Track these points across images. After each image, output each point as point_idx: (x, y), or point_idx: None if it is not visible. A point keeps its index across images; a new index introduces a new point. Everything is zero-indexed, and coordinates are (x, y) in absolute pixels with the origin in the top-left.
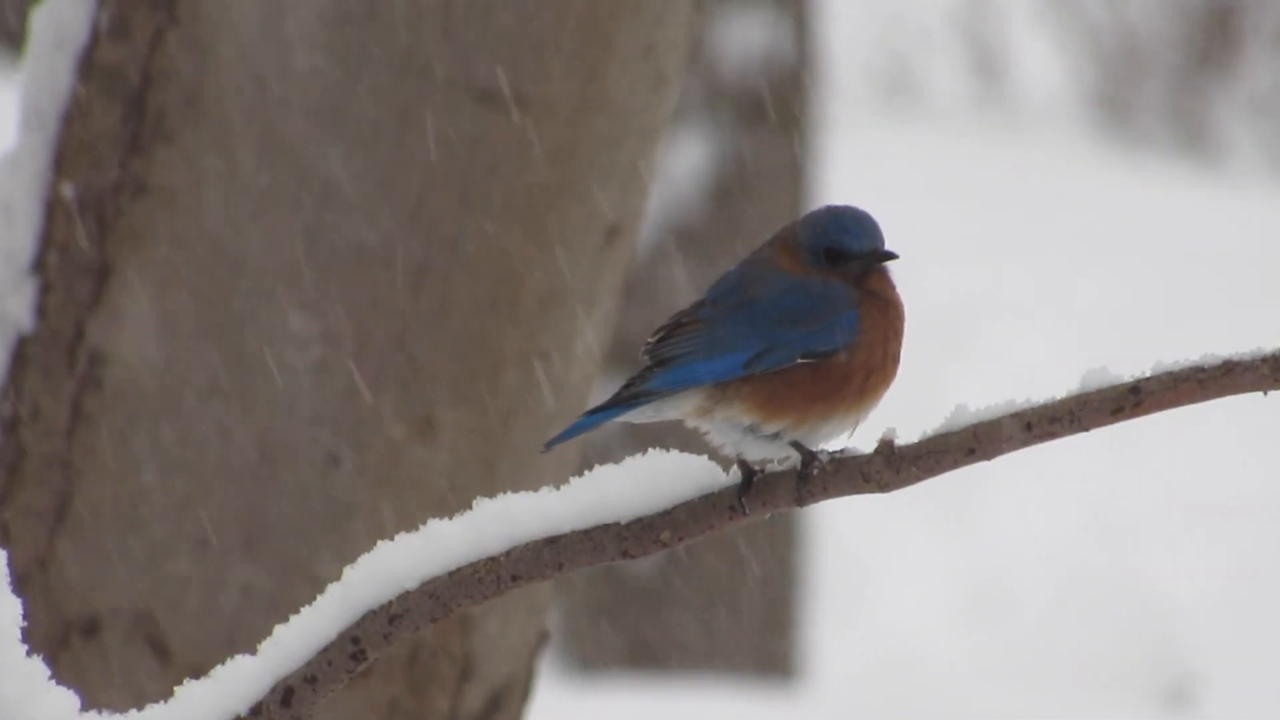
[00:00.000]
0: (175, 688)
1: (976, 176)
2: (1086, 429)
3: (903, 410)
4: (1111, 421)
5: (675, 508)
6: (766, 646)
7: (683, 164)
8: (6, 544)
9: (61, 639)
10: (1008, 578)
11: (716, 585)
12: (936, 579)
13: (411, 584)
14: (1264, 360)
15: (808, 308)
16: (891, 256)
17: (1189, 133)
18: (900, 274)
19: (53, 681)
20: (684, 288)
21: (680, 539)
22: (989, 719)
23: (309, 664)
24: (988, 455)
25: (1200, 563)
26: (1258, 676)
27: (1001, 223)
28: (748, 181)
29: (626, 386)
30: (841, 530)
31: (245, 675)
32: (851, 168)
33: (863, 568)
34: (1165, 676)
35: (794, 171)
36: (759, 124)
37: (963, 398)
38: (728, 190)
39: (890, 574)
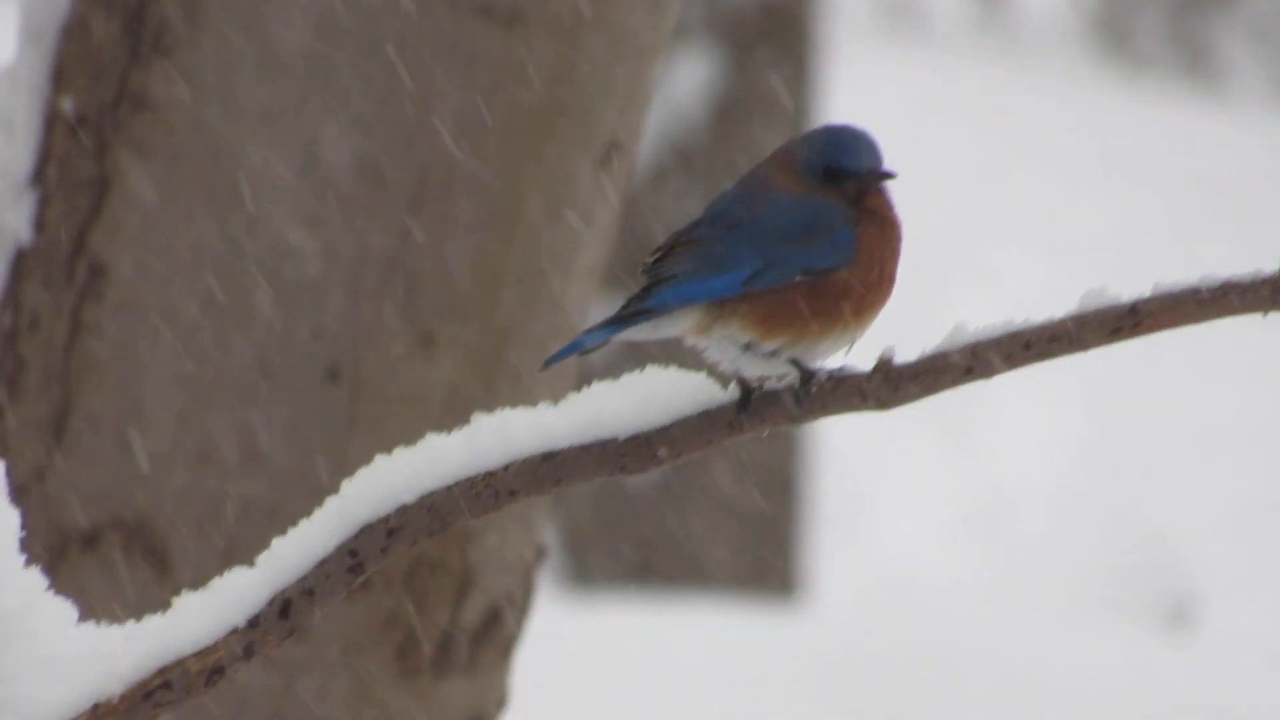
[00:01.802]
0: (173, 599)
1: (977, 100)
2: (1085, 349)
3: (902, 330)
4: (1110, 341)
5: (673, 424)
6: (766, 563)
7: (683, 85)
8: (5, 455)
9: (60, 551)
10: (1007, 497)
11: (716, 502)
12: (936, 498)
13: (409, 498)
14: (1263, 282)
15: (805, 226)
16: (890, 176)
17: (1190, 56)
18: (901, 196)
19: (50, 592)
20: (684, 208)
21: (678, 455)
22: (987, 638)
23: (306, 577)
24: (986, 374)
25: (1200, 483)
26: (1256, 596)
27: (1002, 146)
28: (748, 102)
29: (625, 305)
30: (841, 449)
31: (243, 588)
32: (852, 90)
33: (862, 487)
34: (1164, 596)
35: (794, 93)
36: (760, 45)
37: (962, 318)
38: (728, 111)
39: (890, 493)
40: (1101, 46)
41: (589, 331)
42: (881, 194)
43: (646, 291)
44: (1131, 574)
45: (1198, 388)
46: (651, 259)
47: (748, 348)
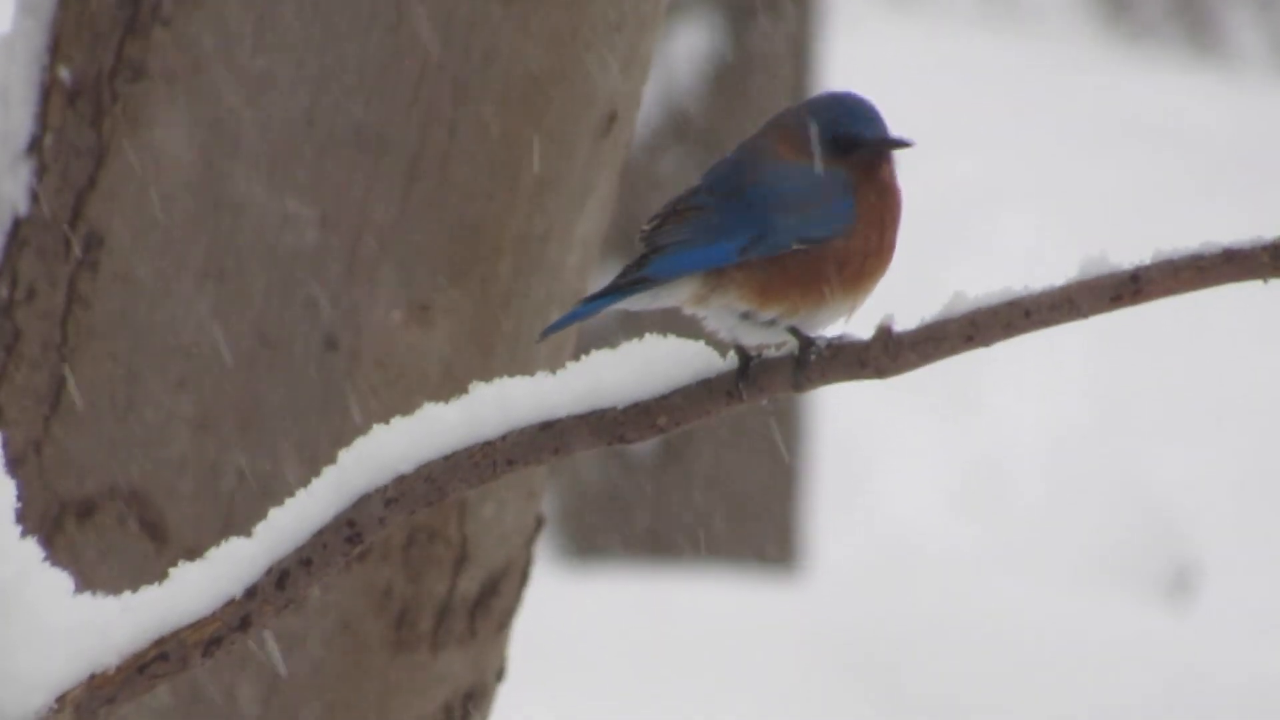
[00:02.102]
0: (170, 570)
1: (978, 65)
2: (1085, 316)
3: (902, 298)
4: (1110, 309)
5: (672, 393)
6: (765, 533)
7: (682, 53)
8: (2, 426)
9: (57, 522)
10: (1007, 465)
11: (716, 473)
12: (936, 466)
13: (407, 468)
14: (1264, 248)
15: (804, 194)
16: (906, 144)
17: (1192, 23)
18: (901, 162)
19: (47, 563)
20: (682, 177)
21: (676, 424)
22: (987, 607)
23: (304, 547)
24: (986, 342)
25: (1201, 452)
26: (1257, 567)
27: (1003, 112)
28: (747, 71)
29: (623, 274)
30: (842, 418)
31: (240, 558)
32: (852, 56)
33: (862, 455)
34: (1164, 566)
35: (794, 59)
36: (758, 13)
37: (962, 285)
38: (727, 79)
39: (890, 461)
40: (1104, 12)
41: (586, 301)
42: (890, 162)
43: (644, 260)
44: (1132, 544)
45: (1200, 357)
46: (649, 226)
47: (745, 317)
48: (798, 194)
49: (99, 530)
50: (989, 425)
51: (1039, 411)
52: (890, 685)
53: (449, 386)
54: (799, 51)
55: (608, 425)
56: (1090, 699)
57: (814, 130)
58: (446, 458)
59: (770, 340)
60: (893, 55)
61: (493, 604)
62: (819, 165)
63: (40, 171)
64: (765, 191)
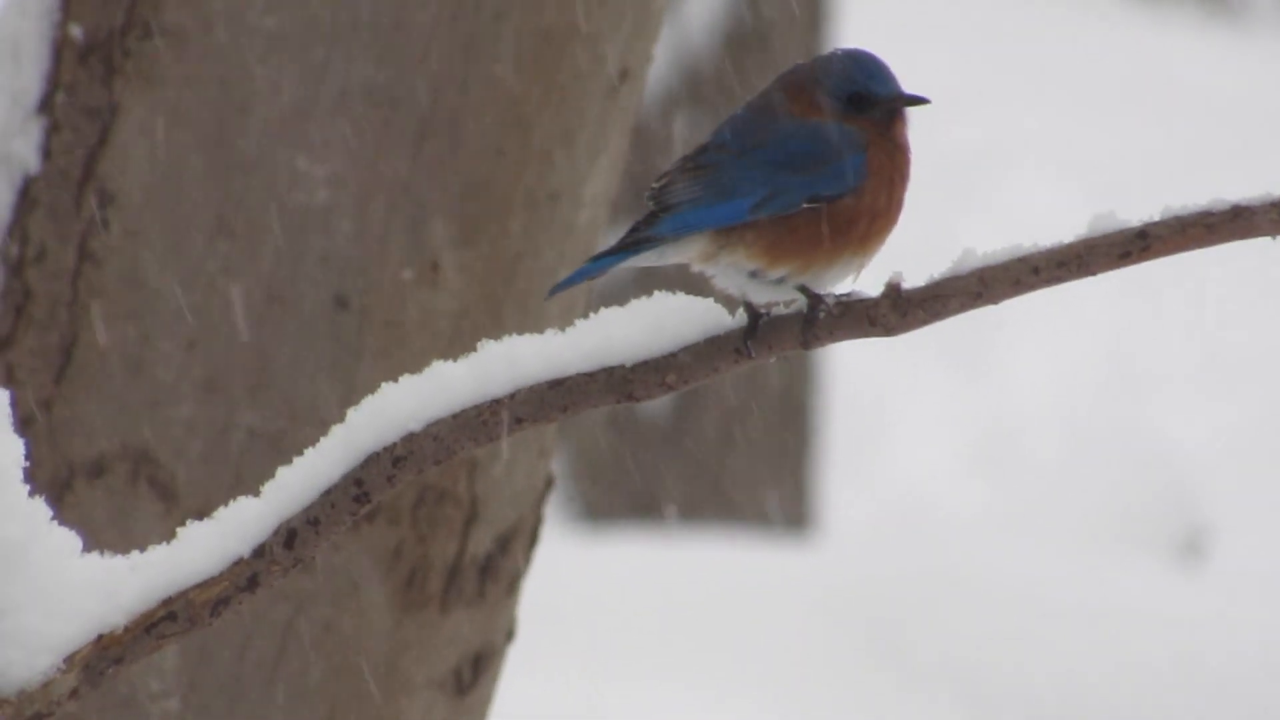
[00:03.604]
0: (178, 530)
1: (989, 25)
2: (1093, 274)
3: (913, 256)
4: (1119, 266)
5: (680, 350)
6: (777, 495)
7: (695, 14)
8: (12, 386)
9: (66, 481)
10: (1021, 427)
11: (728, 434)
12: (950, 427)
13: (415, 426)
14: (1273, 205)
15: (814, 152)
16: (922, 101)
17: None
18: (913, 120)
19: (55, 523)
20: (694, 138)
21: (685, 382)
22: (999, 568)
23: (312, 506)
24: (994, 299)
25: (1213, 414)
26: (1269, 528)
27: (1014, 71)
28: (760, 31)
29: (631, 232)
30: (854, 379)
31: (248, 517)
32: (865, 14)
33: (875, 416)
34: (1177, 527)
35: (808, 19)
36: None
37: (972, 243)
38: (739, 40)
39: (903, 422)
40: None
41: (595, 259)
42: (903, 119)
43: (653, 218)
44: (1145, 505)
45: (1215, 319)
46: (658, 184)
47: (754, 275)
48: (809, 152)
49: (108, 490)
50: (1003, 386)
51: (1053, 372)
52: (903, 646)
53: (459, 345)
54: (814, 12)
55: (616, 383)
56: (1101, 660)
57: (826, 87)
58: (455, 416)
59: (779, 298)
60: (906, 14)
61: (502, 564)
62: (830, 123)
63: (51, 130)
64: (776, 150)
